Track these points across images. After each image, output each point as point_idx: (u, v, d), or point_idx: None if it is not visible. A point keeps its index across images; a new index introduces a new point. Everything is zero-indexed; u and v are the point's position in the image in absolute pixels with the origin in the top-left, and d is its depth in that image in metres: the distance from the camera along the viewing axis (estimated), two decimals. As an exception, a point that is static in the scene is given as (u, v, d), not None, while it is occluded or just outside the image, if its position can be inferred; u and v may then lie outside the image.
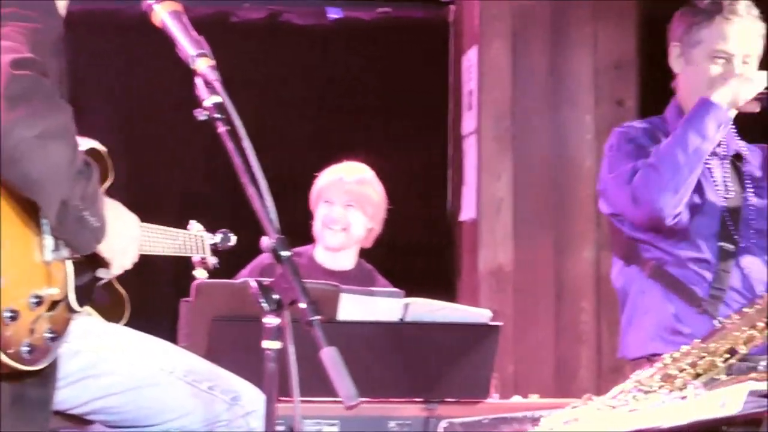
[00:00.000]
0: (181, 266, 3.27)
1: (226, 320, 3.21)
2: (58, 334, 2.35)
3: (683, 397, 2.26)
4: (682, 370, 2.96)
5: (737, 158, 3.45)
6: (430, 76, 5.87)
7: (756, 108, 3.23)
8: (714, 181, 3.37)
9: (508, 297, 5.27)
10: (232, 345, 3.12)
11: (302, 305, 2.16)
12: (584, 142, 5.31)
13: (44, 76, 2.25)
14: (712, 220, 3.26)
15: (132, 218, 2.56)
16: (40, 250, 2.33)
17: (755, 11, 3.37)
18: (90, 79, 5.37)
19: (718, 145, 3.36)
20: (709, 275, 3.27)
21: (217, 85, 2.29)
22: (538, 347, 5.27)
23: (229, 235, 3.27)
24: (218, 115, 2.28)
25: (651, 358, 3.24)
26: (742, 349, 3.07)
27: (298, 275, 2.19)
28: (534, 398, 3.88)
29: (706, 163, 3.33)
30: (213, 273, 3.29)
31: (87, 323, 2.52)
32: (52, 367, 2.39)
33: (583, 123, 5.30)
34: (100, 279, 2.53)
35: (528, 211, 5.29)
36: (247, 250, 3.16)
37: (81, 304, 2.43)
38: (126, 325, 2.65)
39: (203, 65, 2.33)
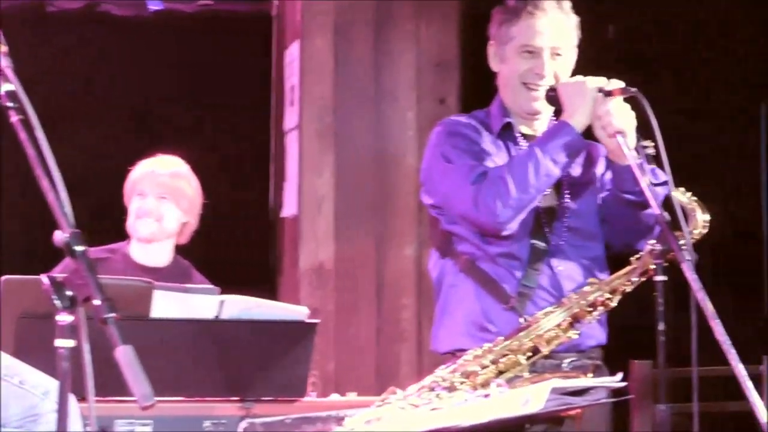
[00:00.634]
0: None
1: (33, 318, 3.11)
2: None
3: (486, 395, 2.26)
4: (484, 367, 2.97)
5: None
6: (253, 71, 5.84)
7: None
8: None
9: (330, 294, 5.27)
10: (40, 343, 3.02)
11: (97, 302, 2.08)
12: (406, 139, 5.33)
13: None
14: (527, 218, 3.29)
15: None
16: None
17: (566, 4, 3.41)
18: None
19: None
20: (519, 273, 3.29)
21: (9, 73, 2.21)
22: (360, 345, 5.27)
23: None
24: (11, 104, 2.19)
25: (457, 354, 3.26)
26: (545, 348, 3.11)
27: (93, 271, 2.12)
28: (352, 396, 3.85)
29: None
30: (28, 269, 3.19)
31: None
32: None
33: (405, 120, 5.32)
34: None
35: (350, 208, 5.29)
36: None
37: None
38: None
39: (-6, 52, 2.24)
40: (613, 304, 3.21)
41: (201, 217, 4.45)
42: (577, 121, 3.24)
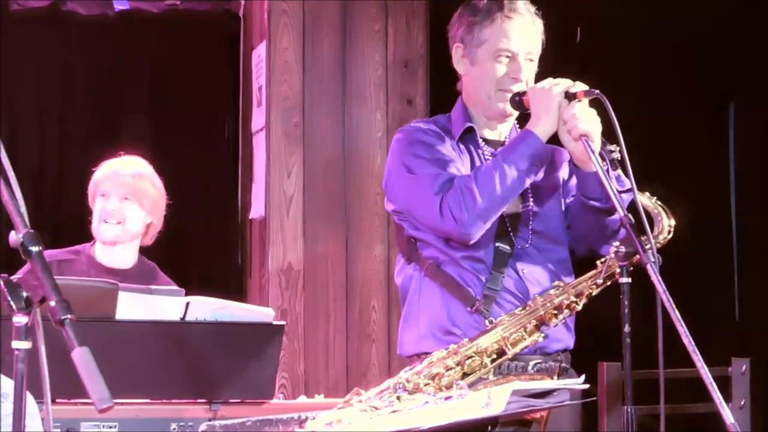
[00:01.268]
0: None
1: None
2: None
3: (448, 398, 2.25)
4: (448, 369, 2.97)
5: None
6: (221, 72, 5.81)
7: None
8: None
9: (298, 295, 5.25)
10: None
11: (52, 303, 2.06)
12: (374, 139, 5.31)
13: None
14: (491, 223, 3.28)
15: None
16: None
17: (533, 8, 3.40)
18: None
19: (503, 145, 3.39)
20: (484, 276, 3.28)
21: None
22: (329, 346, 5.26)
23: None
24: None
25: (422, 357, 3.25)
26: (510, 350, 3.10)
27: (49, 272, 2.09)
28: (320, 398, 3.83)
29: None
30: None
31: None
32: None
33: (372, 121, 5.31)
34: None
35: (318, 209, 5.27)
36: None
37: None
38: None
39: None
40: (579, 307, 3.23)
41: (170, 219, 4.44)
42: (542, 129, 3.24)
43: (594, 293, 3.22)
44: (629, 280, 2.96)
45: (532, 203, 3.39)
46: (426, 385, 2.84)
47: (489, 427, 2.31)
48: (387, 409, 2.26)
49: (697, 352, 2.79)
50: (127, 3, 5.55)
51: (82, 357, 2.05)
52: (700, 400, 3.40)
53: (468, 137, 3.41)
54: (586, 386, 2.59)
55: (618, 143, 3.07)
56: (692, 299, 6.23)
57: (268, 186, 5.25)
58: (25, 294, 2.11)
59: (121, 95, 5.79)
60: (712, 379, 2.78)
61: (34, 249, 2.12)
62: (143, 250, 4.41)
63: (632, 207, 3.06)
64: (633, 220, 3.00)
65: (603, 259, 3.22)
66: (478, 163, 3.37)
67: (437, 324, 3.28)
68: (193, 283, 3.90)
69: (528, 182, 3.26)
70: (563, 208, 3.44)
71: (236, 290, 5.56)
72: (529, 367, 3.20)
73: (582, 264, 3.39)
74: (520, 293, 3.28)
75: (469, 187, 3.18)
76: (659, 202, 3.23)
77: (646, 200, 3.21)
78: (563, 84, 3.23)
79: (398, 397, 2.41)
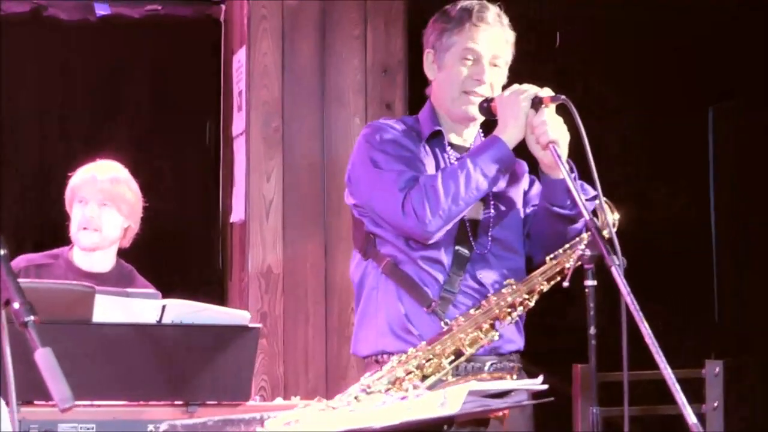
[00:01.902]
0: None
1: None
2: None
3: (403, 397, 2.28)
4: (408, 373, 3.00)
5: None
6: (203, 76, 5.83)
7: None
8: None
9: (278, 298, 5.26)
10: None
11: (16, 305, 2.09)
12: (354, 144, 5.31)
13: None
14: (453, 225, 3.32)
15: None
16: None
17: (505, 19, 3.45)
18: None
19: (467, 151, 3.42)
20: (441, 277, 3.31)
21: None
22: (308, 349, 5.27)
23: None
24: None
25: (379, 359, 3.28)
26: (468, 351, 3.13)
27: (13, 274, 2.12)
28: (296, 400, 3.86)
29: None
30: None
31: None
32: None
33: (351, 125, 5.33)
34: None
35: (297, 213, 5.29)
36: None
37: None
38: None
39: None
40: (531, 304, 3.25)
41: (152, 222, 4.47)
42: (510, 136, 3.27)
43: (545, 289, 3.25)
44: (595, 283, 2.99)
45: (493, 210, 3.43)
46: (387, 390, 2.87)
47: (445, 427, 2.34)
48: (345, 408, 2.29)
49: (661, 354, 2.82)
50: (108, 8, 5.56)
51: (44, 357, 2.08)
52: (673, 402, 3.43)
53: (434, 141, 3.45)
54: (545, 387, 2.62)
55: (582, 147, 3.11)
56: (672, 302, 6.30)
57: (247, 190, 5.27)
58: (-11, 296, 2.14)
59: (101, 99, 5.81)
60: (675, 380, 2.81)
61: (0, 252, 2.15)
62: (123, 253, 4.44)
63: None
64: (598, 223, 3.04)
65: (552, 255, 3.25)
66: (442, 165, 3.40)
67: (395, 323, 3.31)
68: (174, 285, 3.92)
69: (492, 187, 3.30)
70: (522, 217, 3.49)
71: (217, 293, 5.58)
72: (486, 368, 3.23)
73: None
74: (475, 296, 3.31)
75: (434, 186, 3.22)
76: (604, 198, 3.25)
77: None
78: (531, 90, 3.26)
79: (356, 398, 2.44)
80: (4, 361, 2.10)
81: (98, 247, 4.30)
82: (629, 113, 6.32)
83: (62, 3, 5.56)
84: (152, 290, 4.01)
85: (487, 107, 3.35)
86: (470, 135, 3.48)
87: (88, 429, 3.17)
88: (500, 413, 2.54)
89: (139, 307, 3.43)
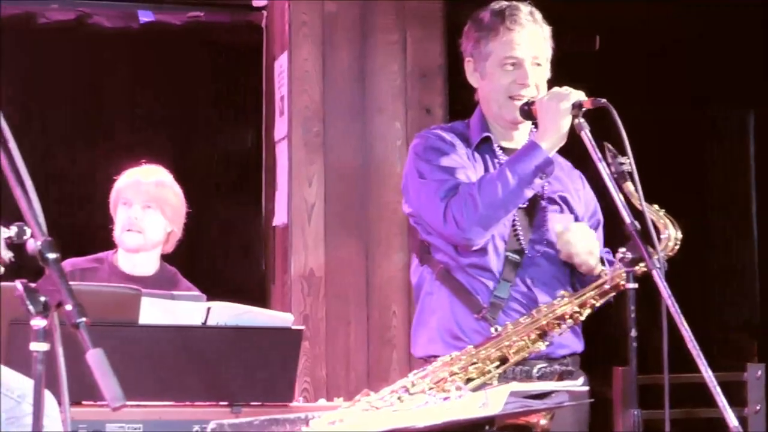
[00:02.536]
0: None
1: (21, 323, 3.15)
2: None
3: (446, 398, 2.30)
4: (452, 374, 3.02)
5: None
6: (245, 81, 5.86)
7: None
8: None
9: (320, 301, 5.29)
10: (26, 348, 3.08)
11: (68, 307, 2.14)
12: (394, 148, 5.35)
13: None
14: (503, 230, 3.34)
15: None
16: None
17: (538, 15, 3.44)
18: None
19: None
20: (491, 283, 3.33)
21: None
22: (350, 351, 5.29)
23: (25, 228, 3.22)
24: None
25: (430, 360, 3.31)
26: (513, 358, 3.15)
27: (65, 277, 2.17)
28: (339, 401, 3.89)
29: None
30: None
31: None
32: None
33: (392, 129, 5.35)
34: None
35: (338, 216, 5.31)
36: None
37: None
38: None
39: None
40: (582, 317, 3.25)
41: (196, 227, 4.51)
42: (549, 143, 3.27)
43: (598, 304, 3.25)
44: (636, 286, 2.98)
45: (545, 213, 3.44)
46: (430, 389, 2.89)
47: (486, 427, 2.36)
48: (388, 408, 2.32)
49: (702, 357, 2.82)
50: (152, 15, 5.60)
51: (96, 358, 2.12)
52: (714, 405, 3.43)
53: (484, 146, 3.47)
54: (586, 388, 2.63)
55: (627, 155, 3.09)
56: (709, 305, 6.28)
57: (290, 194, 5.30)
58: (43, 298, 2.18)
59: (145, 106, 5.86)
60: (716, 383, 2.81)
61: (51, 256, 2.20)
62: (167, 257, 4.48)
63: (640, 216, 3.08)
64: (639, 226, 3.03)
65: (606, 270, 3.26)
66: (492, 171, 3.41)
67: (445, 328, 3.34)
68: (217, 289, 3.96)
69: (530, 193, 3.31)
70: (577, 215, 3.49)
71: (260, 296, 5.62)
72: (534, 372, 3.24)
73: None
74: (527, 302, 3.32)
75: (472, 193, 3.24)
76: (667, 215, 3.25)
77: (653, 212, 3.22)
78: (572, 96, 3.24)
79: (399, 398, 2.47)
80: (57, 362, 2.14)
81: (141, 249, 4.34)
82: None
83: (106, 11, 5.60)
84: (197, 293, 4.05)
85: (528, 110, 3.35)
86: (522, 136, 3.48)
87: (135, 429, 3.21)
88: (535, 419, 2.53)
89: (184, 309, 3.47)
